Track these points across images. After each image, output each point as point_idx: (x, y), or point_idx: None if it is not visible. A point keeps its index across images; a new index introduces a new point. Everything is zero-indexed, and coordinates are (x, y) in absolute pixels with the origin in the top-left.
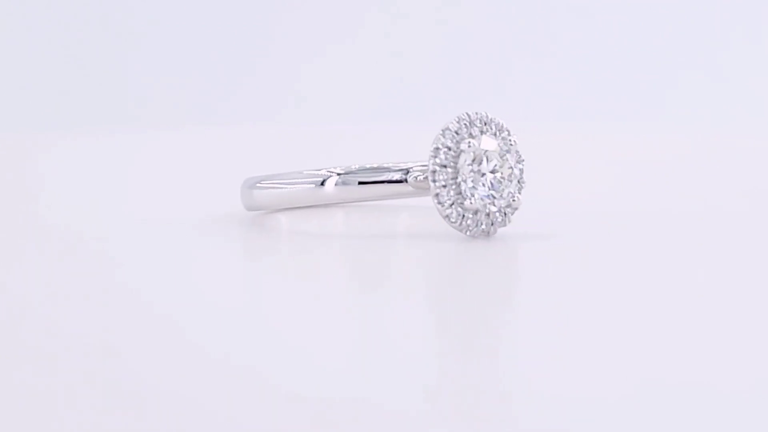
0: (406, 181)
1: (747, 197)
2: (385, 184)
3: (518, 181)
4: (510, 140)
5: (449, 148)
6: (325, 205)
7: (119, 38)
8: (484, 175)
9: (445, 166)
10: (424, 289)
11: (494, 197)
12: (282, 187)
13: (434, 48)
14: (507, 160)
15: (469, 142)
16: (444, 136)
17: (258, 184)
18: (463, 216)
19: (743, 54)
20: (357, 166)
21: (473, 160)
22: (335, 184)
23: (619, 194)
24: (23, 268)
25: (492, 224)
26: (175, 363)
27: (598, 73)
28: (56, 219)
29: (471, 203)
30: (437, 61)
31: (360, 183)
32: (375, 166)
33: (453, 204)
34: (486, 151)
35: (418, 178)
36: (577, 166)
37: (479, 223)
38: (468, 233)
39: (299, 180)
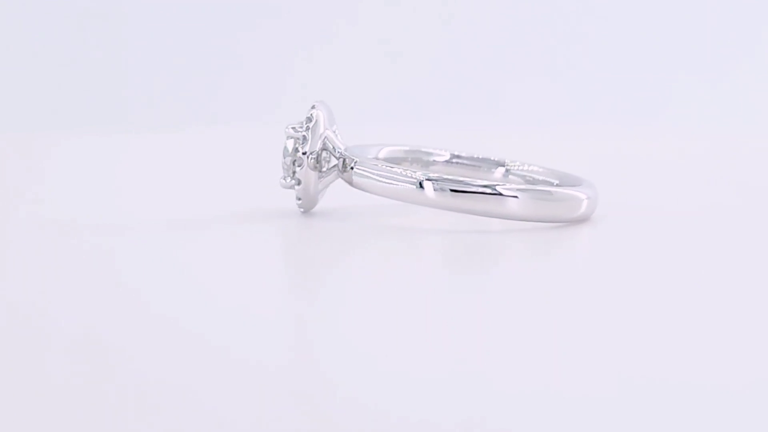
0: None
1: (748, 197)
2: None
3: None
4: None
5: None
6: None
7: (120, 39)
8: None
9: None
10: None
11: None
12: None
13: (434, 46)
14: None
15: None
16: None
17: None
18: None
19: (744, 54)
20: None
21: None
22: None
23: (619, 194)
24: (31, 268)
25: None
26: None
27: (598, 73)
28: (60, 217)
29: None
30: (437, 60)
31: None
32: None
33: None
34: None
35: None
36: (576, 166)
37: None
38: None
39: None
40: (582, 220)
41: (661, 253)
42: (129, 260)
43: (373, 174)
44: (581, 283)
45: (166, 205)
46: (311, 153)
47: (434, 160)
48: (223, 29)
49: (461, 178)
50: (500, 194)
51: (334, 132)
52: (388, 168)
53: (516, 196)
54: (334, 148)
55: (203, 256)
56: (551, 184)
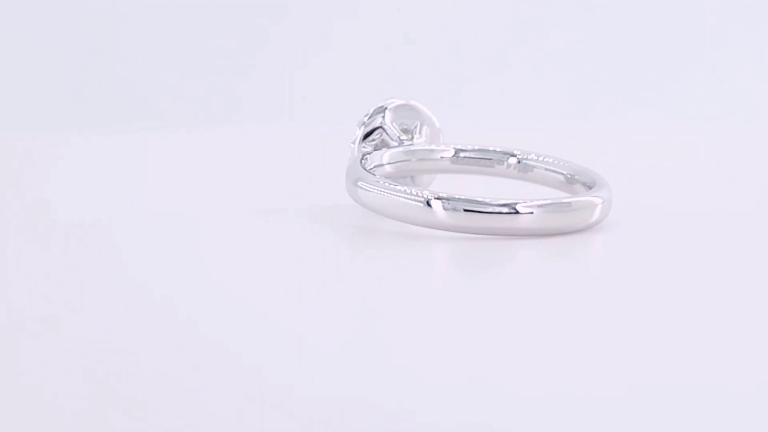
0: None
1: (749, 198)
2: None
3: None
4: None
5: None
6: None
7: (127, 39)
8: None
9: None
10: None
11: None
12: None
13: (435, 43)
14: None
15: None
16: None
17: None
18: None
19: (744, 54)
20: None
21: None
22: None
23: (623, 194)
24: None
25: None
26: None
27: (598, 71)
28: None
29: None
30: (436, 59)
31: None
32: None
33: None
34: None
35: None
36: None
37: None
38: None
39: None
40: (595, 225)
41: (676, 258)
42: (137, 256)
43: (376, 190)
44: (594, 287)
45: (169, 206)
46: (354, 143)
47: (441, 157)
48: (227, 29)
49: (476, 198)
50: (517, 212)
51: (396, 126)
52: (391, 185)
53: (532, 212)
54: (391, 141)
55: (206, 257)
56: (565, 177)
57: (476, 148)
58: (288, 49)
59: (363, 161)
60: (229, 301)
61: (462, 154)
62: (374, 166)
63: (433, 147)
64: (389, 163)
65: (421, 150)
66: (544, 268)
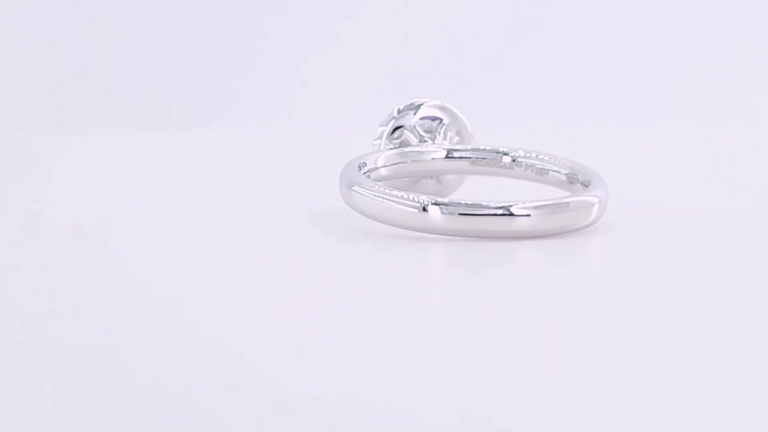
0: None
1: (749, 198)
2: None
3: None
4: None
5: None
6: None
7: (125, 39)
8: None
9: None
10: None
11: None
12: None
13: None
14: None
15: None
16: None
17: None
18: None
19: (744, 54)
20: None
21: None
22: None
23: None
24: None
25: None
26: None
27: (598, 71)
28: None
29: None
30: (438, 57)
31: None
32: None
33: None
34: None
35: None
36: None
37: None
38: None
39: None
40: (592, 224)
41: (675, 258)
42: (137, 256)
43: (371, 195)
44: (594, 287)
45: (169, 206)
46: (381, 139)
47: (433, 158)
48: (228, 29)
49: (471, 202)
50: (513, 215)
51: (418, 126)
52: (387, 190)
53: (528, 215)
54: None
55: (205, 257)
56: (561, 174)
57: (468, 147)
58: (288, 49)
59: (359, 164)
60: (229, 301)
61: (456, 154)
62: (369, 169)
63: (424, 148)
64: (384, 166)
65: (413, 152)
66: (543, 269)
